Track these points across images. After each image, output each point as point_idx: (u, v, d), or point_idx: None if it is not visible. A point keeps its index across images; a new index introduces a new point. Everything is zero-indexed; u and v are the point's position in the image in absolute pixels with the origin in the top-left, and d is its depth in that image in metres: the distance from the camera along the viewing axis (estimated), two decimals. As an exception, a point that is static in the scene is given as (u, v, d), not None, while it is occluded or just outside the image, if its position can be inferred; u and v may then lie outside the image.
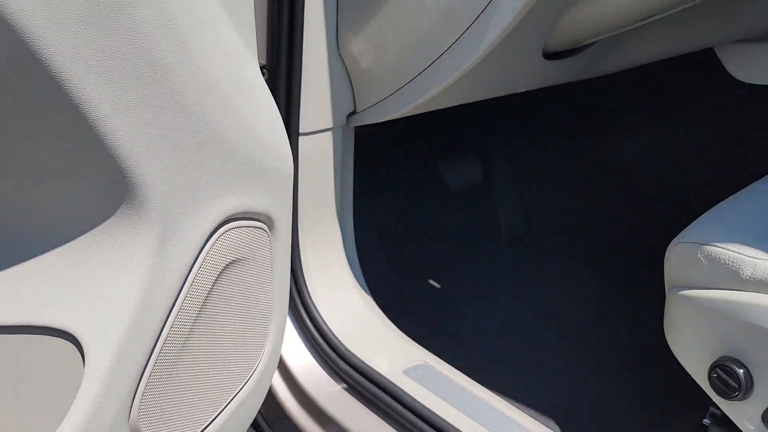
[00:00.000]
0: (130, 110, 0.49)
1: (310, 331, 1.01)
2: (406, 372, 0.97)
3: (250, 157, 0.61)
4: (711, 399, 0.76)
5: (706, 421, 0.84)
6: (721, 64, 1.26)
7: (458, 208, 1.49)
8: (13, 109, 0.47)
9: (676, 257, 0.79)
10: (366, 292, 1.10)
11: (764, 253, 0.72)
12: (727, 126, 1.32)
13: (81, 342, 0.51)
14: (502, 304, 1.35)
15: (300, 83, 0.89)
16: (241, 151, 0.60)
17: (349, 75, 0.93)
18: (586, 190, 1.51)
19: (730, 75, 1.26)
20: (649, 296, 1.04)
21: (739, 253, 0.73)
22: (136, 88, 0.49)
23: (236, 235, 0.62)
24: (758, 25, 1.15)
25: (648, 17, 0.96)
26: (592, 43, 1.09)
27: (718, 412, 0.82)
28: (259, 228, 0.66)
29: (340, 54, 0.92)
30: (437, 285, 1.38)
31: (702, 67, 1.29)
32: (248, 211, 0.63)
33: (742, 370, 0.71)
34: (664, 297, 0.82)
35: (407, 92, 0.89)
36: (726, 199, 0.88)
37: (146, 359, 0.56)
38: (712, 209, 0.85)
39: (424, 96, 0.87)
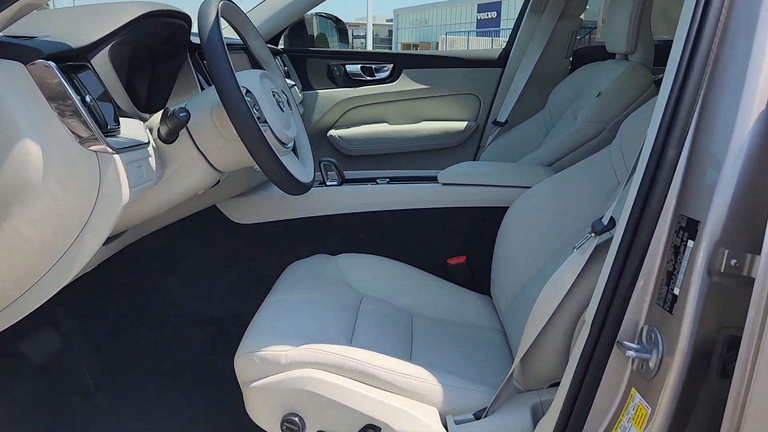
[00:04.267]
0: None
1: None
2: None
3: None
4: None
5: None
6: (223, 213, 1.81)
7: (40, 374, 1.64)
8: None
9: (242, 364, 1.23)
10: None
11: (288, 347, 1.22)
12: (229, 252, 1.86)
13: None
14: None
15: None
16: None
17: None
18: (153, 324, 1.86)
19: (229, 219, 1.81)
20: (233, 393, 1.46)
21: (276, 351, 1.21)
22: None
23: None
24: (236, 190, 1.72)
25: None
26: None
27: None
28: None
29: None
30: None
31: (211, 217, 1.81)
32: None
33: (296, 418, 1.19)
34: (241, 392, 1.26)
35: (16, 305, 1.11)
36: (256, 314, 1.38)
37: None
38: (251, 324, 1.33)
39: (33, 306, 1.11)
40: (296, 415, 1.19)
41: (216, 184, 1.48)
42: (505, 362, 1.42)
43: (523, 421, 1.15)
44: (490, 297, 1.72)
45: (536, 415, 1.16)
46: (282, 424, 1.19)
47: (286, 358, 1.21)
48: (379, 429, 1.16)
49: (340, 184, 1.83)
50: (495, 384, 1.29)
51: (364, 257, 1.72)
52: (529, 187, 1.64)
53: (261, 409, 1.22)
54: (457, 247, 1.81)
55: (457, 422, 1.18)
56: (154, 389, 1.76)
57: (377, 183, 1.85)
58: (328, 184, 1.84)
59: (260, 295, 1.53)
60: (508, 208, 1.65)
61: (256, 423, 1.24)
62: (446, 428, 1.17)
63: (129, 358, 1.83)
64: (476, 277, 1.81)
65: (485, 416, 1.18)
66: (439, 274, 1.75)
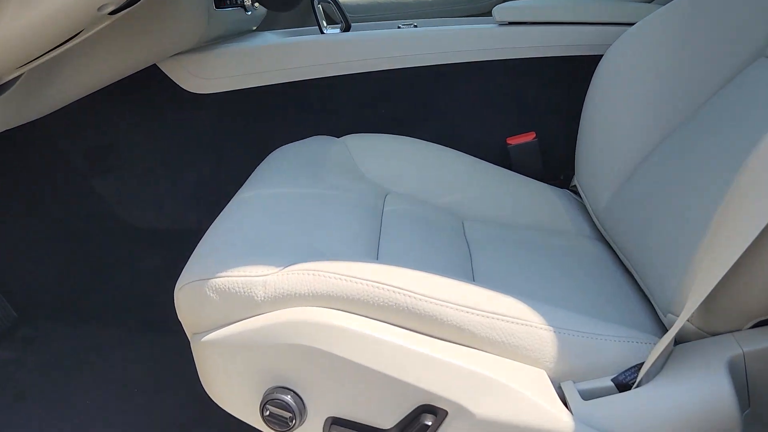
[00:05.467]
0: None
1: None
2: None
3: None
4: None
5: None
6: (170, 79, 1.21)
7: None
8: None
9: (186, 301, 0.68)
10: None
11: (269, 267, 0.67)
12: (183, 138, 1.26)
13: None
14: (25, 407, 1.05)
15: None
16: None
17: None
18: (78, 246, 1.29)
19: (179, 87, 1.22)
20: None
21: (247, 276, 0.66)
22: None
23: None
24: (186, 38, 1.12)
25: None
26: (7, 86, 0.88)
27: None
28: None
29: None
30: None
31: (153, 84, 1.22)
32: None
33: (289, 396, 0.65)
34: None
35: None
36: (213, 223, 0.82)
37: None
38: (203, 239, 0.77)
39: None
40: (288, 390, 0.65)
41: (130, 4, 0.88)
42: (627, 287, 0.88)
43: (717, 390, 0.61)
44: (571, 191, 1.17)
45: (738, 380, 0.62)
46: (263, 407, 0.65)
47: (266, 289, 0.65)
48: (444, 413, 0.62)
49: (344, 31, 1.24)
50: (630, 322, 0.75)
51: (384, 138, 1.15)
52: (633, 24, 1.06)
53: (222, 379, 0.68)
54: (521, 118, 1.24)
55: (584, 394, 0.64)
56: (78, 338, 1.22)
57: (400, 29, 1.25)
58: (326, 31, 1.24)
59: (231, 198, 0.97)
60: (601, 57, 1.08)
61: (217, 402, 0.70)
62: (566, 404, 0.63)
63: (43, 295, 1.27)
64: (550, 162, 1.24)
65: (638, 384, 0.63)
66: (496, 159, 1.18)
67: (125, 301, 1.28)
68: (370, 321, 0.64)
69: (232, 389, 0.67)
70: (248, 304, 0.65)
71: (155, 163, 1.25)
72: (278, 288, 0.65)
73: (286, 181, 0.94)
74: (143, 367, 1.17)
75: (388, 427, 0.64)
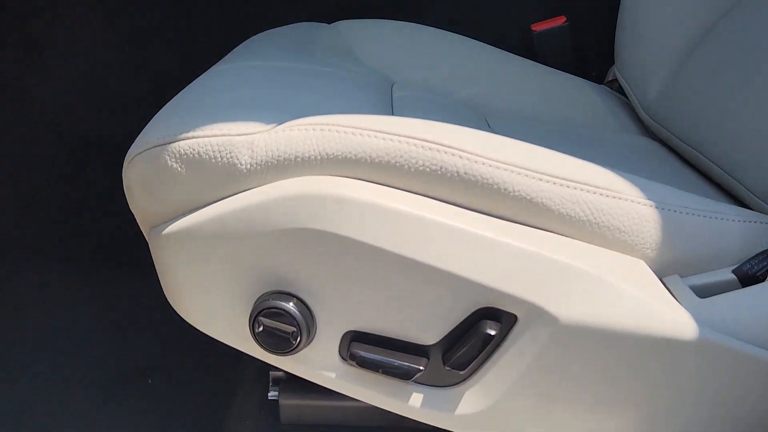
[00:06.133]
0: None
1: None
2: None
3: None
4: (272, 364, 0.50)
5: (272, 393, 0.59)
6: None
7: None
8: None
9: (139, 179, 0.48)
10: None
11: (257, 124, 0.47)
12: (137, 28, 1.04)
13: None
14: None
15: None
16: None
17: None
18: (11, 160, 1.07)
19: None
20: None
21: (227, 135, 0.46)
22: None
23: None
24: None
25: None
26: None
27: (281, 374, 0.58)
28: None
29: None
30: None
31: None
32: None
33: (291, 303, 0.46)
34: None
35: None
36: (184, 89, 0.61)
37: None
38: (161, 109, 0.57)
39: None
40: (289, 295, 0.46)
41: None
42: (695, 176, 0.71)
43: None
44: (607, 86, 0.99)
45: None
46: (254, 321, 0.46)
47: (254, 152, 0.46)
48: (512, 319, 0.44)
49: None
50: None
51: (386, 24, 0.96)
52: None
53: (195, 287, 0.48)
54: (548, 1, 1.04)
55: (698, 291, 0.46)
56: (15, 277, 1.02)
57: None
58: None
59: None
60: None
61: (187, 320, 0.51)
62: (673, 297, 0.45)
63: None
64: (582, 52, 1.05)
65: (772, 274, 0.46)
66: (518, 49, 0.99)
67: (72, 230, 1.06)
68: (405, 193, 0.45)
69: (208, 299, 0.48)
70: (229, 176, 0.46)
71: (106, 57, 1.03)
72: (271, 150, 0.45)
73: (271, 56, 0.74)
74: (98, 307, 0.97)
75: (432, 343, 0.46)
